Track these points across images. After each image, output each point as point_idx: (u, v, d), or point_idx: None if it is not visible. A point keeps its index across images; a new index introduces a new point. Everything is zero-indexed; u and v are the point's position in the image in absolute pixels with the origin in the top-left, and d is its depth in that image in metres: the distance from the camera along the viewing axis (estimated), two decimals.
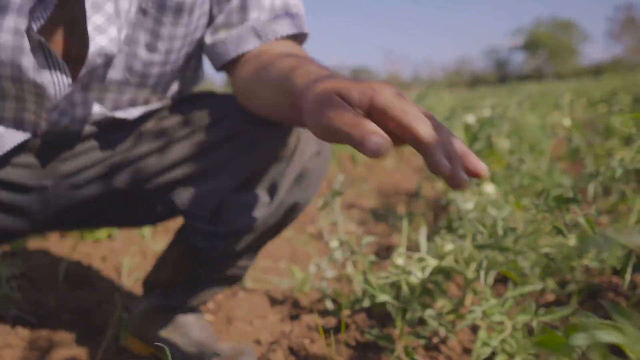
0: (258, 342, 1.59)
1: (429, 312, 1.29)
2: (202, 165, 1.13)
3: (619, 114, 1.34)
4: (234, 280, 1.35)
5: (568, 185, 1.78)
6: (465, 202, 2.03)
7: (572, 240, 1.77)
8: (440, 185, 3.03)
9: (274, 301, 1.91)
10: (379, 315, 1.50)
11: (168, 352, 0.77)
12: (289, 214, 1.24)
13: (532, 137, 2.54)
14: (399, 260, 1.36)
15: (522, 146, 2.61)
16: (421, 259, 1.32)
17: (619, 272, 1.77)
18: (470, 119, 2.68)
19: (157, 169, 1.13)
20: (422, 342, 1.42)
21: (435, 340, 1.51)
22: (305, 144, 1.10)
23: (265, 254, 2.52)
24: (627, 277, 1.38)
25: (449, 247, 1.34)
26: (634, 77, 5.77)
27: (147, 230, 2.58)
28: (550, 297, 1.79)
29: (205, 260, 1.24)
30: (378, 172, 4.69)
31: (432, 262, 1.35)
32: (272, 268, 2.29)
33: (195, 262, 1.26)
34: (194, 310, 1.39)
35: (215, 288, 1.35)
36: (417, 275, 1.28)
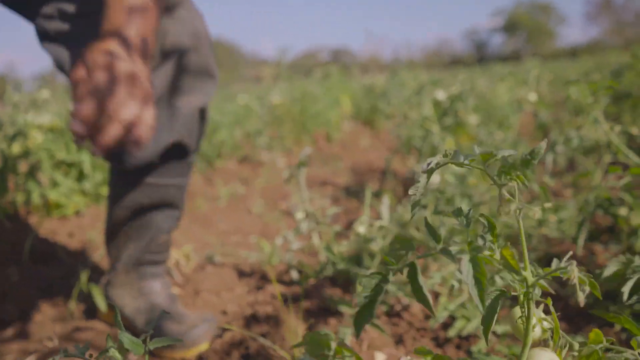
0: (224, 312, 1.61)
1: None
2: None
3: (573, 84, 1.36)
4: (174, 204, 1.34)
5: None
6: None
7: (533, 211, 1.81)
8: (411, 161, 3.06)
9: (242, 274, 1.92)
10: (343, 283, 1.52)
11: (119, 314, 0.78)
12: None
13: (500, 113, 2.57)
14: (360, 229, 1.37)
15: (491, 121, 2.65)
16: (382, 227, 1.34)
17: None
18: (440, 95, 2.71)
19: None
20: (385, 308, 1.45)
21: (397, 307, 1.54)
22: None
23: (236, 229, 2.53)
24: (580, 242, 1.42)
25: (407, 215, 1.36)
26: (607, 58, 5.89)
27: None
28: None
29: (133, 179, 1.25)
30: (353, 151, 4.71)
31: (393, 230, 1.37)
32: (242, 243, 2.30)
33: (125, 182, 1.27)
34: (156, 264, 1.39)
35: (162, 223, 1.34)
36: (377, 243, 1.30)
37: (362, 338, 1.29)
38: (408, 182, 2.71)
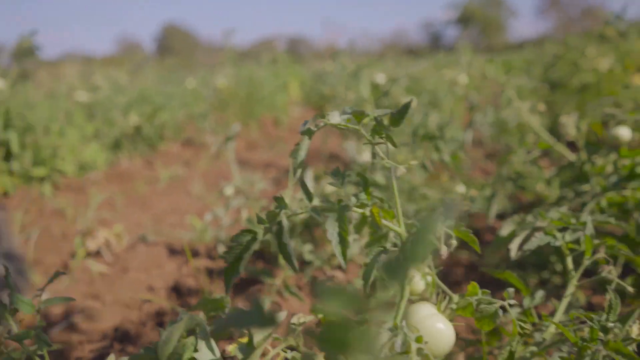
0: (151, 288, 1.61)
1: (307, 247, 1.34)
2: None
3: (489, 62, 1.43)
4: None
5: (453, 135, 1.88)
6: (362, 154, 2.12)
7: (460, 188, 1.89)
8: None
9: (173, 252, 1.92)
10: (268, 256, 1.55)
11: None
12: None
13: (434, 96, 2.65)
14: (227, 191, 1.41)
15: (430, 105, 2.72)
16: (302, 199, 1.37)
17: (502, 217, 1.92)
18: (380, 77, 2.76)
19: None
20: (307, 278, 1.49)
21: (321, 278, 1.58)
22: None
23: (173, 210, 2.51)
24: (492, 213, 1.50)
25: (329, 188, 1.40)
26: (547, 50, 6.16)
27: (48, 189, 2.49)
28: None
29: None
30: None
31: (315, 202, 1.40)
32: (178, 223, 2.29)
33: None
34: None
35: None
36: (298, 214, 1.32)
37: (282, 305, 1.33)
38: (350, 163, 2.76)
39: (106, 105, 3.32)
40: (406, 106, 0.65)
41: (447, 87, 2.39)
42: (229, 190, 1.69)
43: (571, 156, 1.48)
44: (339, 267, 1.66)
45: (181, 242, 1.99)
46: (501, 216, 1.90)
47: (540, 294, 0.95)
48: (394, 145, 0.66)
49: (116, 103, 3.36)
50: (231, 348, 0.75)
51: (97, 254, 1.92)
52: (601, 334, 0.65)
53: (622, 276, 1.42)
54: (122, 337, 1.25)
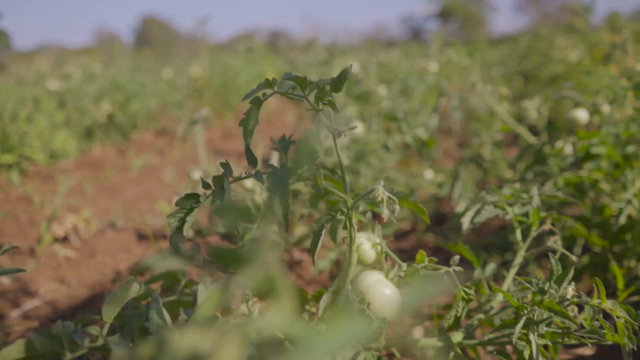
0: (118, 271, 1.60)
1: (273, 228, 1.35)
2: None
3: (454, 46, 1.45)
4: None
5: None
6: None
7: (428, 173, 1.91)
8: None
9: (142, 237, 1.91)
10: (232, 238, 1.56)
11: None
12: None
13: (406, 85, 2.67)
14: (248, 184, 1.41)
15: (400, 93, 2.74)
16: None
17: None
18: (353, 67, 2.78)
19: None
20: None
21: (290, 262, 1.59)
22: None
23: (144, 197, 2.50)
24: (455, 194, 1.53)
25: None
26: (520, 43, 6.29)
27: (15, 176, 2.45)
28: (406, 226, 1.94)
29: None
30: (278, 127, 4.72)
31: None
32: (149, 210, 2.28)
33: None
34: None
35: None
36: (260, 195, 1.33)
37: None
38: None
39: (77, 94, 3.27)
40: (345, 72, 0.66)
41: (418, 75, 2.42)
42: (196, 175, 1.69)
43: (532, 139, 1.52)
44: (307, 250, 1.68)
45: (151, 228, 1.98)
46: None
47: (491, 266, 0.98)
48: (336, 110, 0.68)
49: (88, 91, 3.31)
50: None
51: (64, 240, 1.90)
52: (539, 296, 0.68)
53: (582, 256, 1.47)
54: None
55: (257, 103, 0.70)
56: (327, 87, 0.65)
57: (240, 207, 0.31)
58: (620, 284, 1.14)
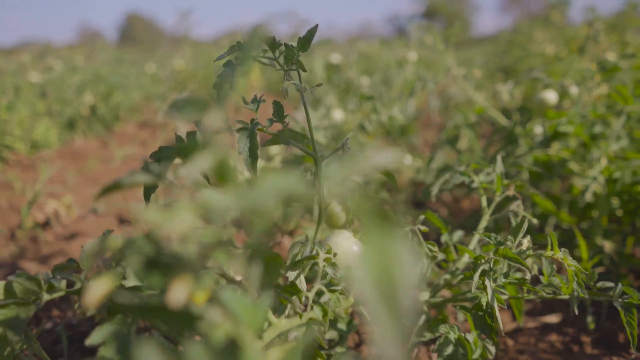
0: None
1: None
2: None
3: (428, 29, 1.51)
4: None
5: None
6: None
7: (406, 159, 1.95)
8: None
9: (123, 221, 1.92)
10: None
11: None
12: None
13: (386, 75, 2.72)
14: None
15: (379, 82, 2.78)
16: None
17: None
18: (334, 57, 2.81)
19: None
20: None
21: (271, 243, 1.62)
22: None
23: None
24: (435, 190, 1.57)
25: (274, 150, 1.44)
26: (502, 37, 6.46)
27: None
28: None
29: None
30: (261, 120, 4.75)
31: (261, 164, 1.44)
32: (131, 196, 2.29)
33: None
34: None
35: None
36: (243, 174, 1.36)
37: None
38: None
39: (59, 85, 3.26)
40: (312, 30, 0.69)
41: (398, 65, 2.46)
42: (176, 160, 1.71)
43: (504, 121, 1.57)
44: (289, 233, 1.71)
45: (132, 213, 1.99)
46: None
47: (458, 233, 1.02)
48: (304, 70, 0.71)
49: (70, 82, 3.31)
50: None
51: (46, 225, 1.91)
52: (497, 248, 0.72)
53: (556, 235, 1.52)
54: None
55: (230, 67, 0.73)
56: (295, 48, 0.68)
57: (198, 99, 0.34)
58: (584, 254, 1.19)
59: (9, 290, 0.58)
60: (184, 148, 0.33)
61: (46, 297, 0.58)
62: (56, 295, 0.59)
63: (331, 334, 1.00)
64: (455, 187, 1.89)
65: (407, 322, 0.20)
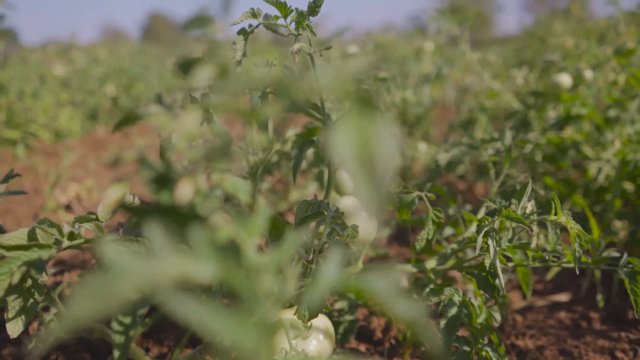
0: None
1: (265, 185, 1.41)
2: None
3: (440, 12, 1.53)
4: None
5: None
6: None
7: (421, 146, 1.96)
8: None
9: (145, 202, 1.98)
10: None
11: None
12: None
13: (403, 66, 2.73)
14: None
15: (397, 75, 2.79)
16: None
17: (463, 177, 2.01)
18: (352, 48, 2.84)
19: None
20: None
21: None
22: None
23: None
24: (444, 160, 1.59)
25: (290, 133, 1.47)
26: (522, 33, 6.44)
27: (21, 150, 2.53)
28: None
29: None
30: None
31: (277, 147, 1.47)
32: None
33: None
34: None
35: None
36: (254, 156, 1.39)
37: None
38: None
39: (82, 76, 3.35)
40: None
41: (415, 55, 2.47)
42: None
43: (517, 105, 1.57)
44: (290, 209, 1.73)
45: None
46: (462, 177, 1.99)
47: (467, 207, 1.03)
48: (314, 34, 0.73)
49: (92, 74, 3.38)
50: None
51: (68, 208, 1.96)
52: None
53: None
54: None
55: (244, 34, 0.76)
56: (305, 12, 0.71)
57: (202, 15, 0.37)
58: (595, 234, 1.19)
59: (32, 236, 0.61)
60: (194, 59, 0.36)
61: (66, 242, 0.61)
62: (76, 242, 0.62)
63: (341, 304, 1.03)
64: (469, 173, 1.90)
65: (385, 189, 0.22)
